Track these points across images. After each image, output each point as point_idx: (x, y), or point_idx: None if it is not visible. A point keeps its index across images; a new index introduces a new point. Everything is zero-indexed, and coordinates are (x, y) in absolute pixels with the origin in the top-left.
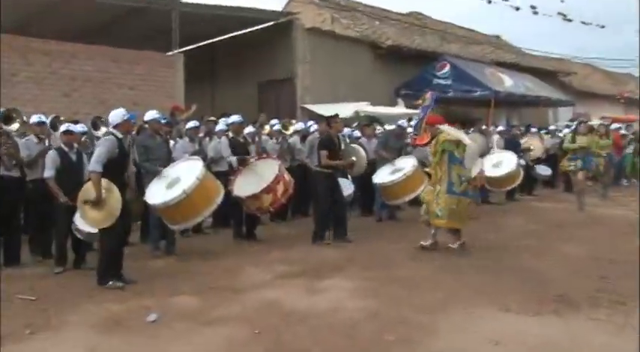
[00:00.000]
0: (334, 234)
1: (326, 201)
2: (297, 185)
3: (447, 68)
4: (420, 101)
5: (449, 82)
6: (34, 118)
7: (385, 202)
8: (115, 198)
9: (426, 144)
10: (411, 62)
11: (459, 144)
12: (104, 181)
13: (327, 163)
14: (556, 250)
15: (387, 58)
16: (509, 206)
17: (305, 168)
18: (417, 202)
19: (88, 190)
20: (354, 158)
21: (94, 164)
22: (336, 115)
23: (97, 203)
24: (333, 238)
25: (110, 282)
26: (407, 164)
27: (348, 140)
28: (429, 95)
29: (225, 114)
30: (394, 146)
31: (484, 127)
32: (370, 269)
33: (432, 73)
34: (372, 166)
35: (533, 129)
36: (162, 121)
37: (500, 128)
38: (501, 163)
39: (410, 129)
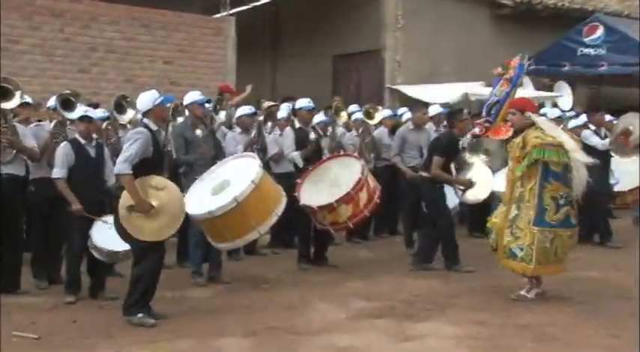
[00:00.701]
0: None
1: (445, 211)
2: (384, 193)
3: (600, 32)
4: (499, 70)
5: (601, 51)
6: (51, 102)
7: None
8: (174, 195)
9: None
10: (545, 25)
11: (559, 150)
12: (156, 179)
13: (439, 175)
14: None
15: (511, 20)
16: None
17: (394, 171)
18: None
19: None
20: (472, 178)
21: (121, 165)
22: (461, 110)
23: (146, 210)
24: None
25: (139, 314)
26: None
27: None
28: (515, 61)
29: (289, 97)
30: None
31: None
32: (484, 310)
33: (576, 39)
34: None
35: None
36: (208, 106)
37: None
38: None
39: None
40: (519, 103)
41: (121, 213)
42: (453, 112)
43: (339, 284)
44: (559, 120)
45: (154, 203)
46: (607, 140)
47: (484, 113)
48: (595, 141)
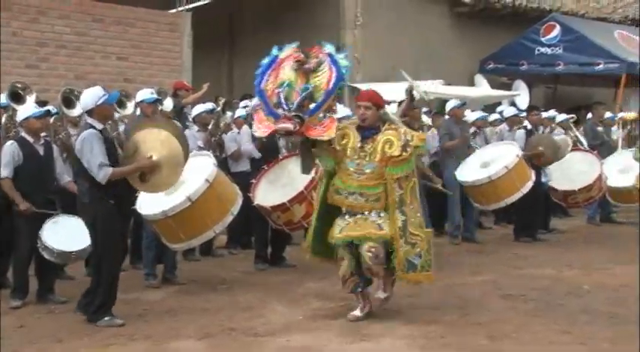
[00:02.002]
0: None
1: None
2: None
3: (556, 31)
4: (297, 55)
5: (558, 50)
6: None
7: (471, 212)
8: (159, 138)
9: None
10: (503, 24)
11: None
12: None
13: None
14: None
15: (469, 18)
16: None
17: None
18: (505, 217)
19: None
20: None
21: (102, 171)
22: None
23: (149, 165)
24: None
25: (106, 318)
26: (506, 153)
27: None
28: (319, 50)
29: (247, 95)
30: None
31: (607, 116)
32: (439, 309)
33: (534, 38)
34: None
35: None
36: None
37: (634, 115)
38: (631, 168)
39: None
40: (375, 97)
41: (141, 189)
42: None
43: (297, 285)
44: (516, 119)
45: (153, 155)
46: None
47: (293, 107)
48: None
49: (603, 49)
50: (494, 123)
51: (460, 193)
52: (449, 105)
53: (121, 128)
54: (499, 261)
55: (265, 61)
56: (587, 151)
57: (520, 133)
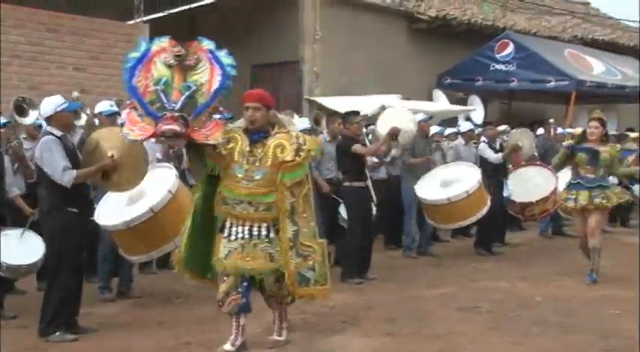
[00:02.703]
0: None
1: (358, 229)
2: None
3: (510, 49)
4: (175, 49)
5: (512, 67)
6: None
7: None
8: (120, 137)
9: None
10: (460, 41)
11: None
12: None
13: (371, 150)
14: None
15: (427, 34)
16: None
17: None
18: (461, 231)
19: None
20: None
21: (66, 175)
22: (357, 113)
23: (110, 165)
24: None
25: (57, 333)
26: (467, 176)
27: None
28: (197, 46)
29: None
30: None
31: (558, 131)
32: (397, 322)
33: (488, 55)
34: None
35: (634, 134)
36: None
37: (578, 131)
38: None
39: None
40: (265, 97)
41: (106, 189)
42: (347, 114)
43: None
44: (472, 134)
45: (114, 154)
46: (500, 154)
47: (177, 106)
48: (488, 154)
49: (554, 67)
50: (450, 138)
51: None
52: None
53: (76, 138)
54: (456, 273)
55: (134, 54)
56: (542, 165)
57: (483, 146)
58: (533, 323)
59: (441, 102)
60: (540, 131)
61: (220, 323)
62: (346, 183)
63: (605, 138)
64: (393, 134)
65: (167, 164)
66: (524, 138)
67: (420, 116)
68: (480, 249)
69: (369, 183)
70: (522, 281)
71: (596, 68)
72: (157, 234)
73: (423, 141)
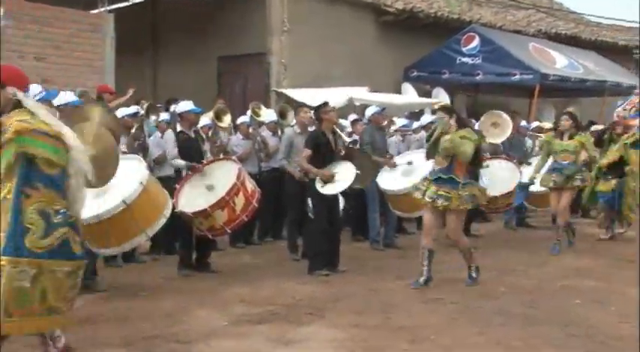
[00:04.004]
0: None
1: (322, 219)
2: (269, 196)
3: (476, 42)
4: None
5: (477, 60)
6: None
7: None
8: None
9: None
10: (426, 33)
11: (58, 146)
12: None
13: (303, 167)
14: (621, 295)
15: (394, 27)
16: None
17: (280, 175)
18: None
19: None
20: (336, 170)
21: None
22: (326, 104)
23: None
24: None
25: None
26: (427, 163)
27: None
28: None
29: (172, 99)
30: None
31: (522, 124)
32: (363, 313)
33: (455, 48)
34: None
35: (594, 128)
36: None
37: (548, 125)
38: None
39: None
40: (5, 73)
41: None
42: (318, 106)
43: (222, 291)
44: (431, 126)
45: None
46: None
47: None
48: None
49: (519, 61)
50: (417, 131)
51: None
52: (368, 112)
53: None
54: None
55: None
56: (507, 159)
57: None
58: (497, 314)
59: (409, 95)
60: None
61: (187, 316)
62: (312, 176)
63: (574, 130)
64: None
65: (135, 156)
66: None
67: (373, 109)
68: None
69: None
70: (486, 272)
71: (560, 62)
72: (128, 227)
73: (379, 134)
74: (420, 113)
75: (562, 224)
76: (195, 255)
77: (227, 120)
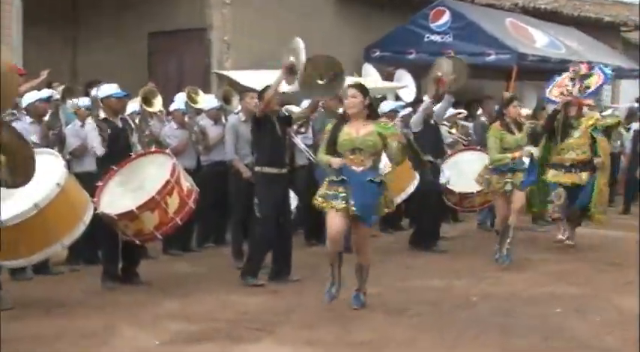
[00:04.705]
0: (272, 272)
1: (268, 219)
2: (210, 195)
3: (446, 17)
4: None
5: (447, 38)
6: None
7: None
8: None
9: None
10: (390, 8)
11: None
12: None
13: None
14: (605, 302)
15: (355, 2)
16: (532, 234)
17: (223, 170)
18: (390, 224)
19: None
20: None
21: None
22: (264, 90)
23: None
24: (270, 277)
25: None
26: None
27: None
28: None
29: (93, 81)
30: None
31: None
32: (318, 328)
33: (422, 24)
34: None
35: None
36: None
37: (527, 112)
38: None
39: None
40: None
41: None
42: (263, 90)
43: (153, 305)
44: (393, 115)
45: None
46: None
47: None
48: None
49: (494, 39)
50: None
51: None
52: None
53: None
54: (384, 272)
55: None
56: (482, 151)
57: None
58: (470, 325)
59: (370, 78)
60: (479, 111)
61: (111, 335)
62: (256, 168)
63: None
64: (290, 68)
65: (50, 150)
66: (440, 67)
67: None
68: (419, 245)
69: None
70: (457, 278)
71: (539, 40)
72: (41, 234)
73: (333, 120)
74: (382, 99)
75: (513, 224)
76: (122, 265)
77: (157, 103)
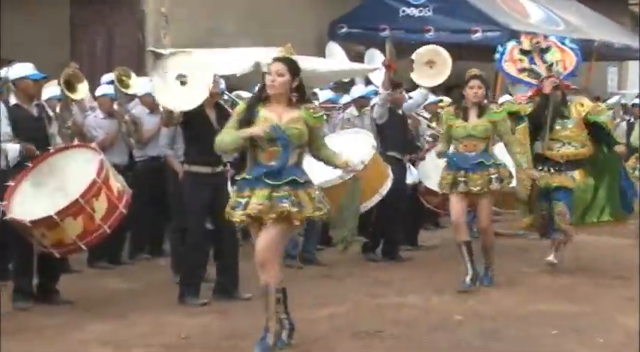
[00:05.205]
0: (217, 287)
1: (195, 226)
2: (145, 197)
3: None
4: None
5: (427, 13)
6: None
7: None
8: None
9: None
10: None
11: None
12: None
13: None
14: (608, 321)
15: None
16: (524, 242)
17: (160, 167)
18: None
19: None
20: None
21: None
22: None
23: None
24: (214, 293)
25: None
26: (357, 143)
27: None
28: None
29: (3, 60)
30: None
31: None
32: None
33: None
34: None
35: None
36: None
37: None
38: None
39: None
40: None
41: None
42: None
43: (76, 329)
44: (364, 102)
45: None
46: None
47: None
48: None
49: (481, 13)
50: (347, 107)
51: None
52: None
53: None
54: (352, 288)
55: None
56: None
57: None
58: (452, 349)
59: (336, 59)
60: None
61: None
62: (185, 166)
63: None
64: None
65: None
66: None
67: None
68: (372, 252)
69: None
70: (438, 294)
71: (534, 15)
72: None
73: None
74: (351, 83)
75: (487, 246)
76: (38, 281)
77: (82, 90)
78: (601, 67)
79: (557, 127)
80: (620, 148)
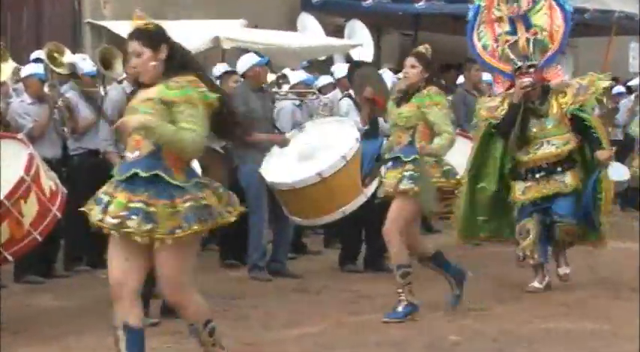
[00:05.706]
0: (164, 307)
1: None
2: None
3: None
4: None
5: None
6: None
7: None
8: None
9: None
10: None
11: None
12: None
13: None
14: (626, 340)
15: None
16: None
17: (103, 163)
18: (337, 236)
19: None
20: None
21: None
22: None
23: None
24: (162, 312)
25: None
26: (339, 136)
27: None
28: None
29: None
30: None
31: (484, 79)
32: None
33: None
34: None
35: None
36: None
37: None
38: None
39: None
40: None
41: None
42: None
43: None
44: (347, 82)
45: None
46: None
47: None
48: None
49: None
50: (324, 90)
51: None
52: (244, 63)
53: None
54: (328, 303)
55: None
56: (461, 134)
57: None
58: None
59: (310, 34)
60: (460, 80)
61: None
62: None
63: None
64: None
65: None
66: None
67: (250, 57)
68: (350, 263)
69: None
70: (431, 311)
71: None
72: None
73: (259, 97)
74: (329, 61)
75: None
76: None
77: (6, 70)
78: (622, 43)
79: (534, 130)
80: (604, 154)
